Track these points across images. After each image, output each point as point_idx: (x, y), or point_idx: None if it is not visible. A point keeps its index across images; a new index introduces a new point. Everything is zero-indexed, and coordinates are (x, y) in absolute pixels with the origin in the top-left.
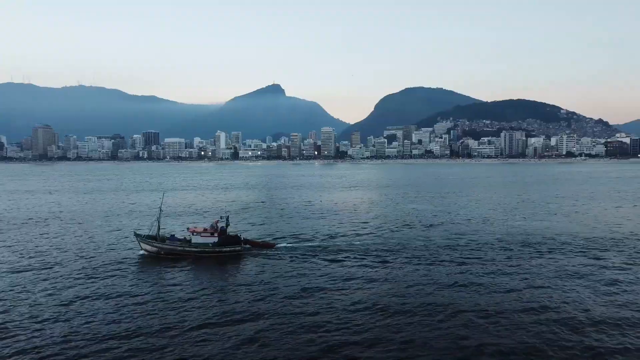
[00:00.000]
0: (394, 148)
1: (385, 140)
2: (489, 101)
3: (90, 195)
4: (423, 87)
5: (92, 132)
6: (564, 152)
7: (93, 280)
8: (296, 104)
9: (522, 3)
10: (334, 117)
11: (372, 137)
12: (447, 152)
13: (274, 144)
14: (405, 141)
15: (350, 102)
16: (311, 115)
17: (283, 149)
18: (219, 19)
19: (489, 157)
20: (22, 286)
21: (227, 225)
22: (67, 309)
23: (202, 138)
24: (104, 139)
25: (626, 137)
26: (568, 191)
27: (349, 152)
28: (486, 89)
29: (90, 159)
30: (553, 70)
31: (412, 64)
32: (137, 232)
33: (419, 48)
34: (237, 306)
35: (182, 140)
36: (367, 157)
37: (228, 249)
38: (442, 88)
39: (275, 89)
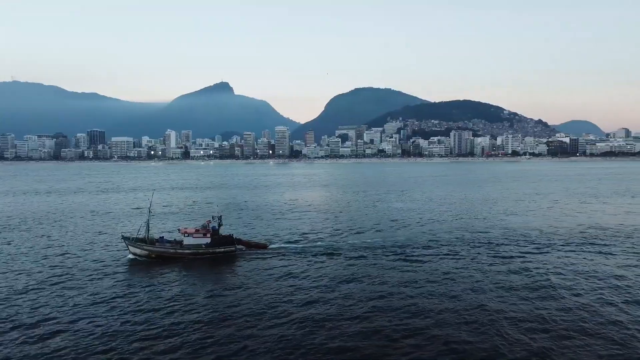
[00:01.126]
0: (348, 147)
1: (339, 139)
2: (436, 101)
3: (56, 197)
4: (372, 88)
5: (30, 131)
6: (510, 151)
7: (82, 288)
8: (245, 103)
9: (463, 6)
10: (284, 116)
11: (325, 136)
12: (399, 151)
13: (225, 142)
14: (359, 141)
15: (300, 101)
16: (261, 114)
17: (236, 148)
18: (161, 15)
19: (439, 156)
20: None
21: (220, 225)
22: (56, 322)
23: (149, 137)
24: (45, 138)
25: (565, 137)
26: (531, 188)
27: (304, 152)
28: (433, 89)
29: (30, 158)
30: (495, 71)
31: (360, 64)
32: (125, 235)
33: (367, 48)
34: (240, 310)
35: (130, 139)
36: (322, 157)
37: (222, 249)
38: (390, 88)
39: (223, 87)
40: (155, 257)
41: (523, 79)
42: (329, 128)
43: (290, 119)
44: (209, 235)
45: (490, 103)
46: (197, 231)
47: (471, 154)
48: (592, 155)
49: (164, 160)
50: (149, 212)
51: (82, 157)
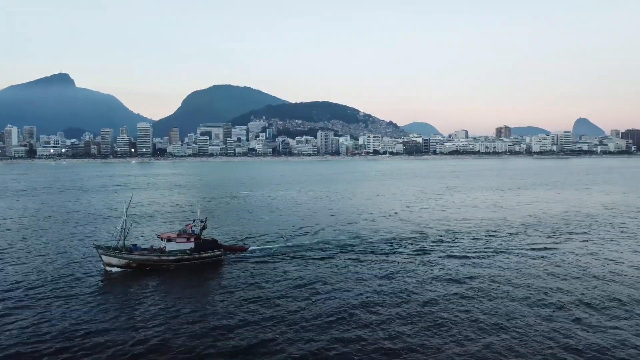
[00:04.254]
0: (217, 146)
1: (207, 137)
2: (297, 102)
3: None
4: (231, 85)
5: None
6: (372, 150)
7: (54, 312)
8: (89, 97)
9: (314, 7)
10: (134, 111)
11: (192, 134)
12: (270, 150)
13: (75, 140)
14: (228, 139)
15: (153, 96)
16: (108, 109)
17: (92, 146)
18: None
19: (308, 155)
20: None
21: (204, 228)
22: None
23: None
24: None
25: (418, 137)
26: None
27: (169, 150)
28: (291, 89)
29: None
30: (349, 74)
31: (218, 61)
32: (99, 245)
33: (222, 46)
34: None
35: None
36: (190, 155)
37: (208, 254)
38: (249, 87)
39: (63, 79)
40: (136, 266)
41: (375, 83)
42: (188, 125)
43: (142, 115)
44: (192, 239)
45: (347, 105)
46: (179, 235)
47: (337, 152)
48: (441, 153)
49: (4, 159)
50: (125, 216)
51: None
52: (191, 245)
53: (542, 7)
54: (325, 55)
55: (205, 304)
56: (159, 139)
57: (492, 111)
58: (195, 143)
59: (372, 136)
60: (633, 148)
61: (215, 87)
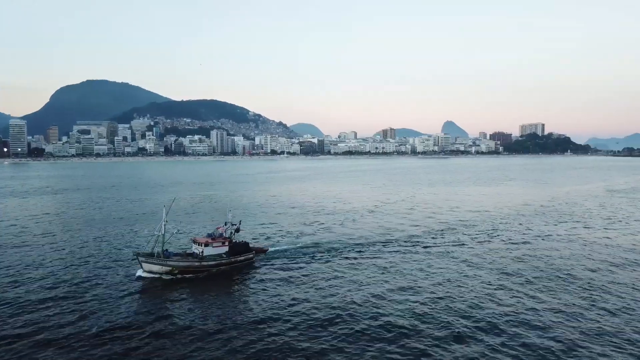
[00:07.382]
0: (103, 145)
1: (92, 136)
2: (184, 100)
3: None
4: (107, 81)
5: None
6: (269, 151)
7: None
8: None
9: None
10: None
11: (75, 132)
12: (162, 149)
13: None
14: (116, 138)
15: (11, 91)
16: None
17: None
18: None
19: (204, 154)
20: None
21: (238, 231)
22: None
23: None
24: None
25: (312, 138)
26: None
27: (48, 149)
28: (173, 87)
29: None
30: (232, 70)
31: (90, 54)
32: (139, 252)
33: (94, 37)
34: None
35: None
36: (73, 155)
37: (242, 257)
38: (128, 83)
39: None
40: (178, 272)
41: (260, 81)
42: (60, 123)
43: None
44: (227, 243)
45: (236, 104)
46: (214, 240)
47: (233, 152)
48: (335, 154)
49: None
50: (165, 222)
51: None
52: (226, 249)
53: (410, 15)
54: (206, 51)
55: (249, 310)
56: (30, 137)
57: (371, 114)
58: (78, 142)
59: (269, 136)
60: (501, 149)
61: (89, 82)
